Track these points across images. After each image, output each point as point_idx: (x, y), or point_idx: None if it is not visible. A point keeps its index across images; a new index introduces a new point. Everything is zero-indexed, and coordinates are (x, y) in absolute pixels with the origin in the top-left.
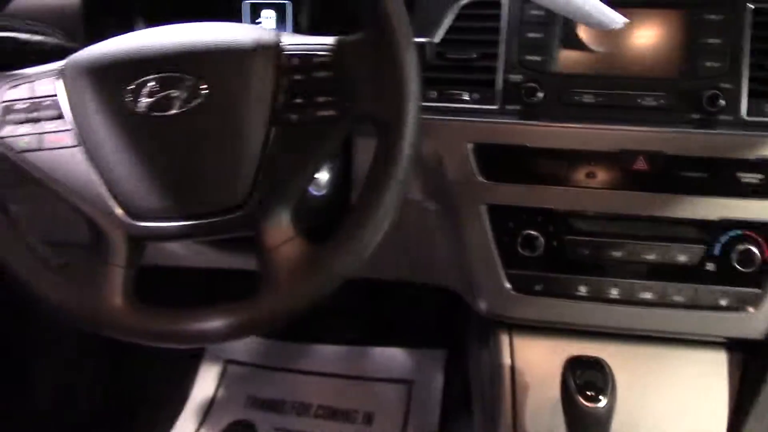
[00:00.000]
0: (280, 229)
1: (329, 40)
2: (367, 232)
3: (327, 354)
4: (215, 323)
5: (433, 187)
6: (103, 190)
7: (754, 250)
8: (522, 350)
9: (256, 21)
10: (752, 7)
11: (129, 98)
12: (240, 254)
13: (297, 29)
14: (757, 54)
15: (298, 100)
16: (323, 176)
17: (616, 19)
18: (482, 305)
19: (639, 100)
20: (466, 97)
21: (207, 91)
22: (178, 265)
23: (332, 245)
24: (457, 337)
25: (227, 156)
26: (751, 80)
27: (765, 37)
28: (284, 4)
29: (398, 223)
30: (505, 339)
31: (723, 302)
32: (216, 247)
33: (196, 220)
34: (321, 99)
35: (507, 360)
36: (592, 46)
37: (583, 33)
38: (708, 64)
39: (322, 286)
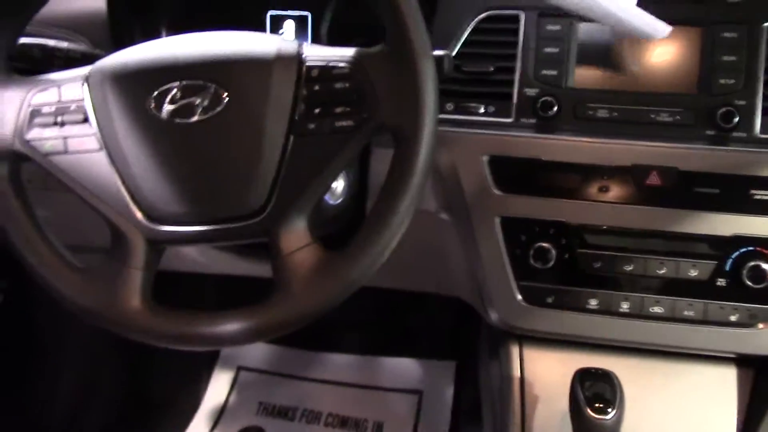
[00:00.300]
0: (296, 236)
1: (349, 51)
2: (381, 240)
3: (338, 363)
4: (230, 327)
5: (448, 199)
6: (124, 194)
7: (766, 266)
8: (532, 362)
9: (278, 32)
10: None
11: (152, 105)
12: (256, 260)
13: (317, 40)
14: None
15: (317, 110)
16: (339, 185)
17: (659, 28)
18: (493, 316)
19: (653, 116)
20: (482, 110)
21: (228, 99)
22: (195, 271)
23: (347, 253)
24: (468, 348)
25: (246, 163)
26: (765, 98)
27: None
28: (305, 15)
29: (412, 234)
30: (515, 350)
31: (733, 318)
32: (232, 252)
33: (214, 225)
34: (339, 109)
35: (517, 371)
36: (607, 62)
37: (598, 48)
38: (723, 81)
39: (336, 292)
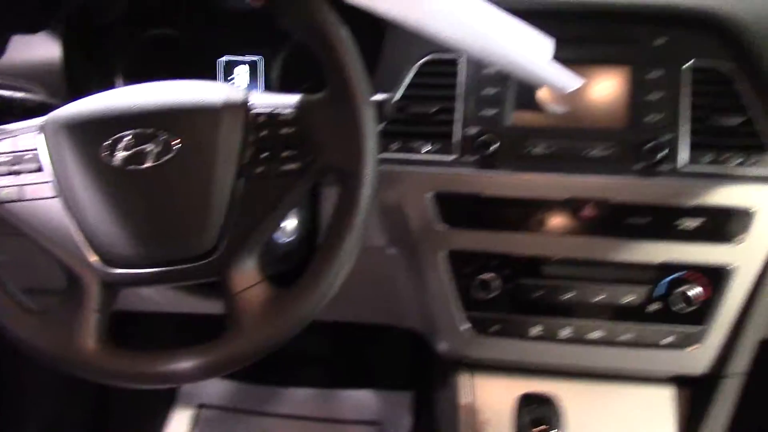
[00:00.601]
0: (246, 275)
1: (294, 98)
2: (328, 276)
3: (298, 397)
4: (184, 364)
5: (396, 234)
6: (79, 239)
7: (695, 290)
8: (480, 389)
9: (230, 77)
10: (690, 65)
11: (106, 152)
12: (208, 299)
13: (268, 85)
14: (694, 108)
15: (265, 155)
16: (290, 223)
17: (572, 81)
18: (442, 346)
19: (586, 151)
20: (426, 149)
21: (179, 146)
22: (150, 311)
23: (296, 290)
24: (424, 378)
25: (197, 207)
26: (689, 133)
27: (702, 92)
28: (256, 61)
29: (363, 268)
30: (464, 378)
31: (667, 340)
32: (185, 291)
33: (166, 266)
34: (286, 153)
35: (465, 399)
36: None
37: (534, 88)
38: (649, 117)
39: (286, 328)
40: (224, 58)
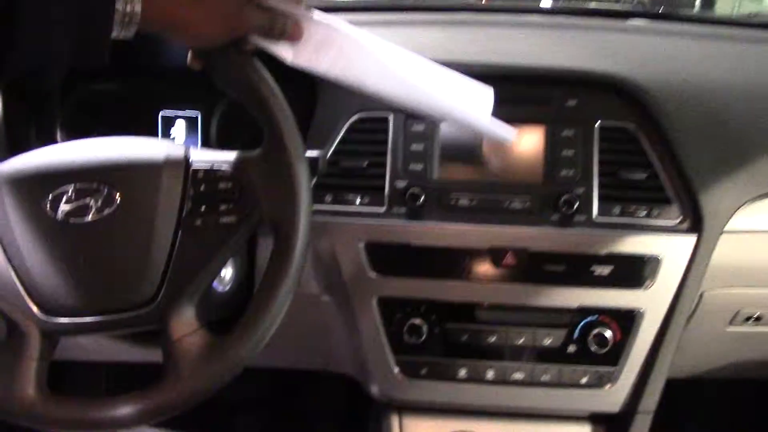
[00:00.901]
0: (185, 322)
1: (231, 154)
2: (263, 323)
3: None
4: (123, 410)
5: (330, 282)
6: (19, 289)
7: (608, 333)
8: (410, 430)
9: (170, 131)
10: (599, 125)
11: (48, 206)
12: (146, 347)
13: (206, 139)
14: (604, 164)
15: (203, 208)
16: (228, 272)
17: (507, 133)
18: (375, 389)
19: (507, 203)
20: (358, 201)
21: (120, 200)
22: (89, 360)
23: (232, 336)
24: (359, 423)
25: (138, 258)
26: (600, 186)
27: (610, 149)
28: (195, 116)
29: (298, 316)
30: (395, 420)
31: (584, 380)
32: (123, 340)
33: (107, 315)
34: (223, 207)
35: None
36: (467, 156)
37: (458, 145)
38: (563, 172)
39: (223, 373)
40: (163, 113)
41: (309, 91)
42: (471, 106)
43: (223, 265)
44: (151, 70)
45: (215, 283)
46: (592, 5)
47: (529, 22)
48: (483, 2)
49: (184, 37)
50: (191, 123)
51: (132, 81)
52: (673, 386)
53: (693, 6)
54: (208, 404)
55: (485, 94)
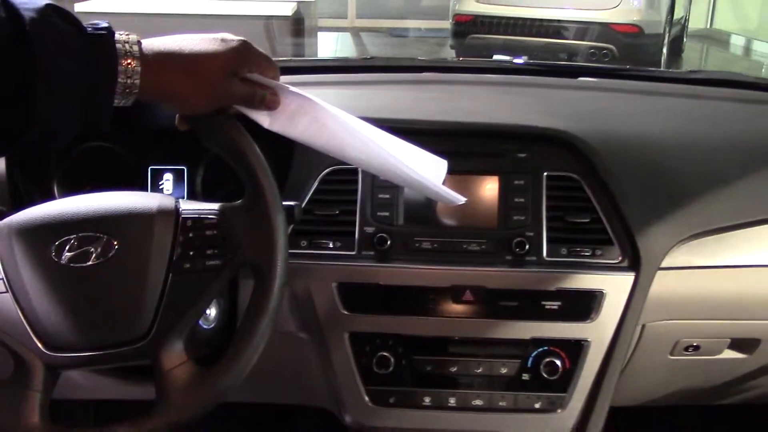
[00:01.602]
0: (174, 355)
1: (216, 205)
2: (244, 356)
3: None
4: None
5: (305, 320)
6: (26, 327)
7: (557, 361)
8: None
9: (158, 183)
10: (547, 174)
11: (53, 253)
12: (136, 384)
13: (192, 190)
14: (552, 209)
15: (191, 253)
16: (212, 312)
17: (456, 198)
18: (347, 418)
19: (465, 246)
20: (331, 245)
21: (118, 247)
22: (82, 398)
23: (217, 367)
24: None
25: (133, 298)
26: (549, 230)
27: (557, 196)
28: (182, 169)
29: (278, 352)
30: None
31: (538, 405)
32: (116, 378)
33: (104, 350)
34: (209, 251)
35: None
36: (429, 204)
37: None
38: (516, 217)
39: (209, 400)
40: (152, 167)
41: (286, 146)
42: (427, 174)
43: (209, 302)
44: (140, 129)
45: (200, 322)
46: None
47: (487, 80)
48: (455, 59)
49: (176, 106)
50: (178, 175)
51: (123, 139)
52: (625, 415)
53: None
54: None
55: (440, 165)
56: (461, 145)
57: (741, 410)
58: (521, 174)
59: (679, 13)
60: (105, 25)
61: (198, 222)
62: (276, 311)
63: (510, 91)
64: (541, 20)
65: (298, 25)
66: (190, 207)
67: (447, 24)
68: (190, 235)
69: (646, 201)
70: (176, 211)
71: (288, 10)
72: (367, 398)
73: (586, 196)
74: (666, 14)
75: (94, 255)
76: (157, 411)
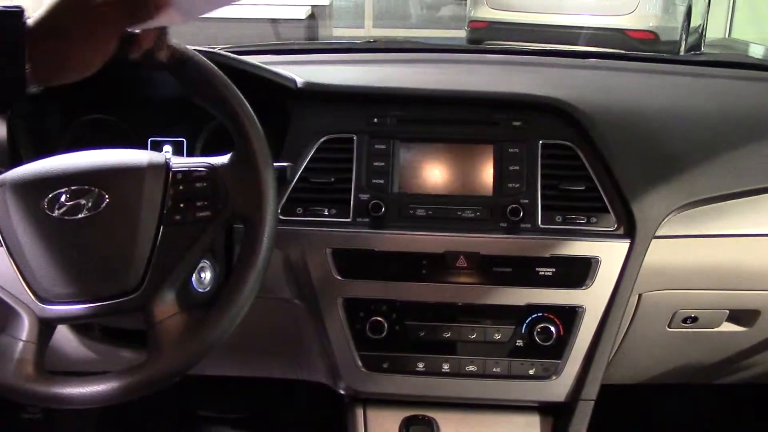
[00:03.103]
0: (167, 307)
1: (206, 159)
2: (235, 306)
3: None
4: (114, 384)
5: (300, 286)
6: (19, 281)
7: (551, 327)
8: (374, 420)
9: None
10: (541, 142)
11: (46, 206)
12: (131, 351)
13: None
14: (546, 177)
15: (182, 205)
16: (207, 276)
17: None
18: (341, 385)
19: (459, 213)
20: (326, 213)
21: (108, 200)
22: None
23: (207, 318)
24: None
25: (124, 250)
26: (543, 197)
27: (551, 164)
28: (181, 141)
29: (273, 320)
30: (359, 411)
31: (532, 372)
32: (107, 343)
33: (97, 302)
34: (200, 203)
35: (360, 429)
36: (424, 172)
37: (416, 162)
38: (510, 185)
39: (198, 351)
40: (152, 138)
41: (281, 116)
42: None
43: (200, 253)
44: (140, 101)
45: (196, 286)
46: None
47: (490, 60)
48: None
49: (76, 73)
50: (177, 147)
51: (123, 110)
52: (624, 394)
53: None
54: (190, 420)
55: None
56: (456, 114)
57: (740, 390)
58: (516, 142)
59: (696, 21)
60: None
61: (188, 175)
62: (267, 263)
63: (512, 69)
64: (556, 26)
65: (311, 29)
66: (180, 161)
67: (464, 34)
68: (181, 187)
69: (642, 169)
70: (166, 164)
71: (302, 13)
72: (360, 363)
73: (581, 164)
74: (683, 21)
75: (85, 208)
76: (148, 361)
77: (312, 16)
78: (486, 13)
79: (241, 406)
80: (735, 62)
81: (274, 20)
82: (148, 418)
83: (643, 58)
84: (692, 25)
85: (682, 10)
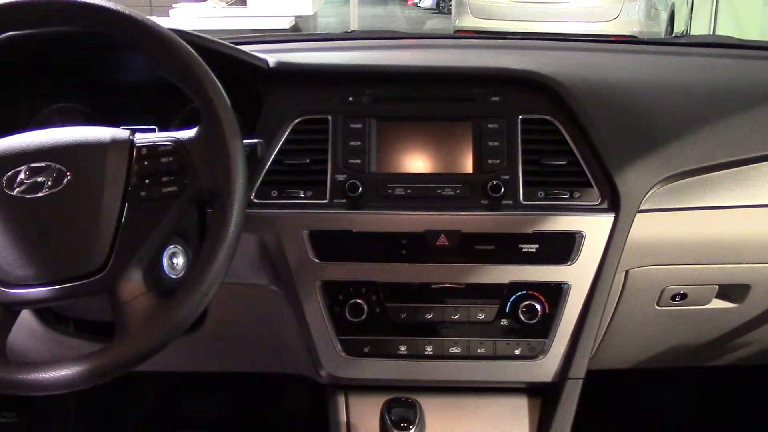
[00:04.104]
0: (133, 286)
1: (172, 133)
2: (204, 284)
3: None
4: (79, 368)
5: (276, 271)
6: None
7: (536, 305)
8: (356, 406)
9: None
10: (521, 117)
11: (4, 185)
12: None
13: None
14: (527, 153)
15: (147, 181)
16: (179, 261)
17: None
18: (323, 373)
19: (439, 191)
20: (302, 195)
21: (70, 177)
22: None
23: (176, 298)
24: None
25: (88, 229)
26: (524, 173)
27: (531, 140)
28: (152, 129)
29: (252, 308)
30: (341, 399)
31: (518, 352)
32: (72, 336)
33: (60, 284)
34: (165, 179)
35: (343, 417)
36: (402, 151)
37: (394, 141)
38: (490, 161)
39: (167, 332)
40: (122, 128)
41: (255, 99)
42: None
43: (168, 231)
44: (110, 88)
45: (168, 272)
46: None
47: (468, 44)
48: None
49: None
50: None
51: (93, 100)
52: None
53: None
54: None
55: None
56: (433, 91)
57: (729, 373)
58: (495, 118)
59: (679, 27)
60: None
61: (153, 150)
62: (237, 239)
63: (491, 51)
64: (540, 34)
65: None
66: (145, 136)
67: None
68: (145, 163)
69: (624, 142)
70: (131, 140)
71: (285, 24)
72: (340, 348)
73: (562, 139)
74: (666, 26)
75: (46, 186)
76: (116, 343)
77: (296, 28)
78: (470, 23)
79: (222, 405)
80: (720, 43)
81: (256, 32)
82: (125, 421)
83: (627, 43)
84: (675, 30)
85: (665, 16)
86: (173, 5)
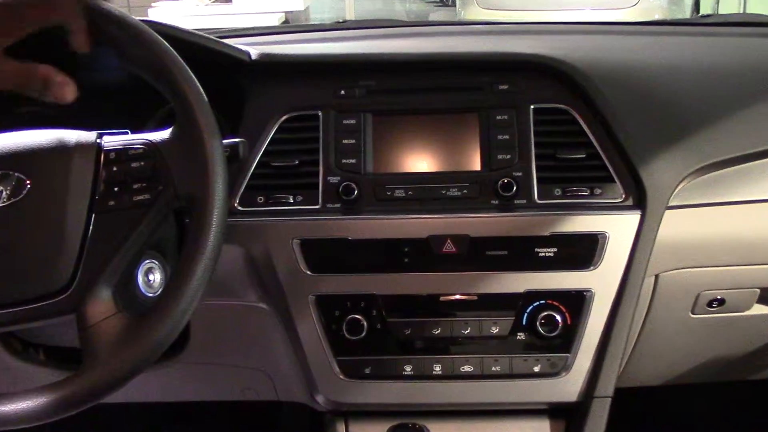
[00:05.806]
0: (102, 306)
1: (143, 135)
2: (181, 303)
3: None
4: (42, 400)
5: (266, 287)
6: None
7: (556, 316)
8: None
9: None
10: (532, 107)
11: None
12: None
13: None
14: (541, 146)
15: (116, 188)
16: (156, 279)
17: None
18: (320, 399)
19: (444, 192)
20: (291, 200)
21: (30, 186)
22: None
23: (150, 318)
24: None
25: (50, 244)
26: (539, 169)
27: (545, 131)
28: (125, 133)
29: (239, 328)
30: (341, 426)
31: (537, 369)
32: (40, 365)
33: (20, 306)
34: (137, 186)
35: None
36: (401, 148)
37: (392, 137)
38: (500, 156)
39: (141, 356)
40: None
41: (236, 96)
42: None
43: (141, 244)
44: (79, 89)
45: (143, 289)
46: None
47: (473, 30)
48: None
49: None
50: None
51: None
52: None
53: None
54: None
55: None
56: (434, 80)
57: None
58: (504, 108)
59: (705, 11)
60: None
61: (122, 154)
62: (217, 252)
63: (498, 36)
64: (552, 24)
65: None
66: (113, 139)
67: None
68: (114, 168)
69: (649, 131)
70: (98, 144)
71: (275, 20)
72: (338, 370)
73: (579, 129)
74: (691, 12)
75: (4, 195)
76: (85, 371)
77: (286, 23)
78: (477, 14)
79: None
80: (752, 22)
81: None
82: None
83: (649, 24)
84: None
85: (689, 0)
86: (152, 4)
